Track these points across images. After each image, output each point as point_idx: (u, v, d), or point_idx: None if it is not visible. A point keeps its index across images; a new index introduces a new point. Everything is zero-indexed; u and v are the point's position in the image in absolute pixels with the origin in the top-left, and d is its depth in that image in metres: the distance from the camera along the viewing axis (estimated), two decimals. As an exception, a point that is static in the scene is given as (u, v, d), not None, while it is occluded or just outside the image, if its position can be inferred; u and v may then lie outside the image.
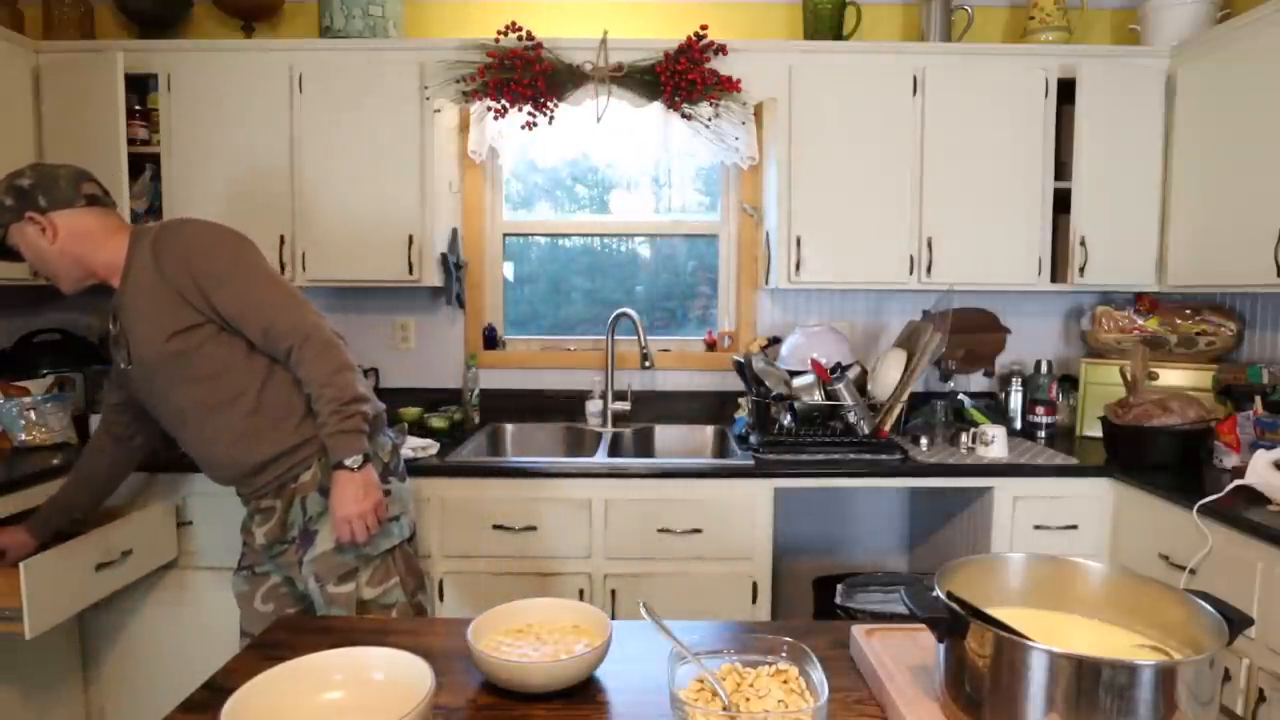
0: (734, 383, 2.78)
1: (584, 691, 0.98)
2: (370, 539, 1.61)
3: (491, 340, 2.87)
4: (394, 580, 1.67)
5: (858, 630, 1.07)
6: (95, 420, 2.43)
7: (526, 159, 2.90)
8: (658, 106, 2.49)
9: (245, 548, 1.74)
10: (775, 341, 2.72)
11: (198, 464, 1.68)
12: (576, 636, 1.05)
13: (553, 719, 0.92)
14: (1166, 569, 1.93)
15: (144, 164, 2.57)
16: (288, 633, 1.16)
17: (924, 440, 2.39)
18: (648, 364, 2.53)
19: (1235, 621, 0.78)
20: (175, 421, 1.62)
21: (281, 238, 2.46)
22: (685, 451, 2.70)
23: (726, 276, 2.92)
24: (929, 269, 2.49)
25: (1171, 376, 2.45)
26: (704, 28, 2.43)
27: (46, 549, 1.77)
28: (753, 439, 2.38)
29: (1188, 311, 2.53)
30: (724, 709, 0.84)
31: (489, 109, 2.47)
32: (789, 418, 2.37)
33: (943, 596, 0.83)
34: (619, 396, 2.78)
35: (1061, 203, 2.49)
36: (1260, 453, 1.87)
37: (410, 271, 2.46)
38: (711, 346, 2.90)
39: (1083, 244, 2.46)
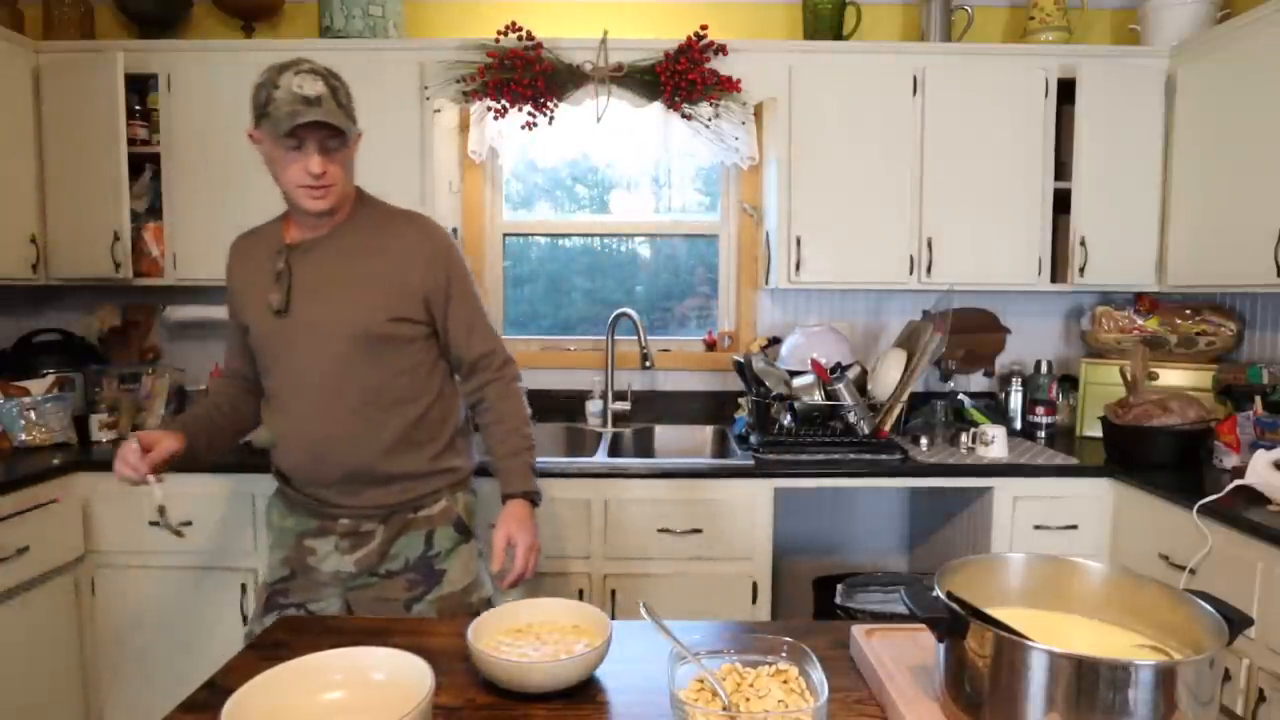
0: (734, 383, 2.78)
1: (584, 691, 0.98)
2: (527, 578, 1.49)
3: (491, 340, 2.87)
4: None
5: (858, 630, 1.07)
6: (95, 420, 2.44)
7: (526, 159, 2.90)
8: (658, 106, 2.49)
9: (294, 579, 1.49)
10: (775, 341, 2.72)
11: (288, 445, 1.46)
12: (576, 636, 1.05)
13: (553, 719, 0.92)
14: (1166, 569, 1.93)
15: (144, 164, 2.57)
16: (288, 633, 1.16)
17: (924, 440, 2.39)
18: (648, 364, 2.53)
19: (1235, 621, 0.78)
20: (318, 393, 1.42)
21: (281, 238, 2.46)
22: (685, 451, 2.70)
23: (726, 276, 2.92)
24: (929, 269, 2.49)
25: (1171, 376, 2.45)
26: (704, 28, 2.43)
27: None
28: (753, 439, 2.38)
29: (1188, 311, 2.53)
30: (724, 709, 0.84)
31: (489, 109, 2.47)
32: (789, 418, 2.37)
33: (943, 596, 0.83)
34: (619, 396, 2.78)
35: (1061, 203, 2.49)
36: (1260, 453, 1.87)
37: (410, 271, 2.46)
38: (711, 346, 2.90)
39: (1083, 244, 2.46)
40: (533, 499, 1.51)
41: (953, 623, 0.81)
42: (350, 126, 1.38)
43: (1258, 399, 2.12)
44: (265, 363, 1.48)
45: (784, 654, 0.93)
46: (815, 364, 2.38)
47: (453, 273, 1.51)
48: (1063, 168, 2.49)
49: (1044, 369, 2.71)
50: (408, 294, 1.45)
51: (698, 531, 2.18)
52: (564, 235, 2.95)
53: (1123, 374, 2.31)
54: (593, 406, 2.75)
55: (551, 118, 2.46)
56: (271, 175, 1.40)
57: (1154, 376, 2.44)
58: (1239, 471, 1.96)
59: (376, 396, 1.44)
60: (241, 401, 1.59)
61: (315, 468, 1.45)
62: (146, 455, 1.34)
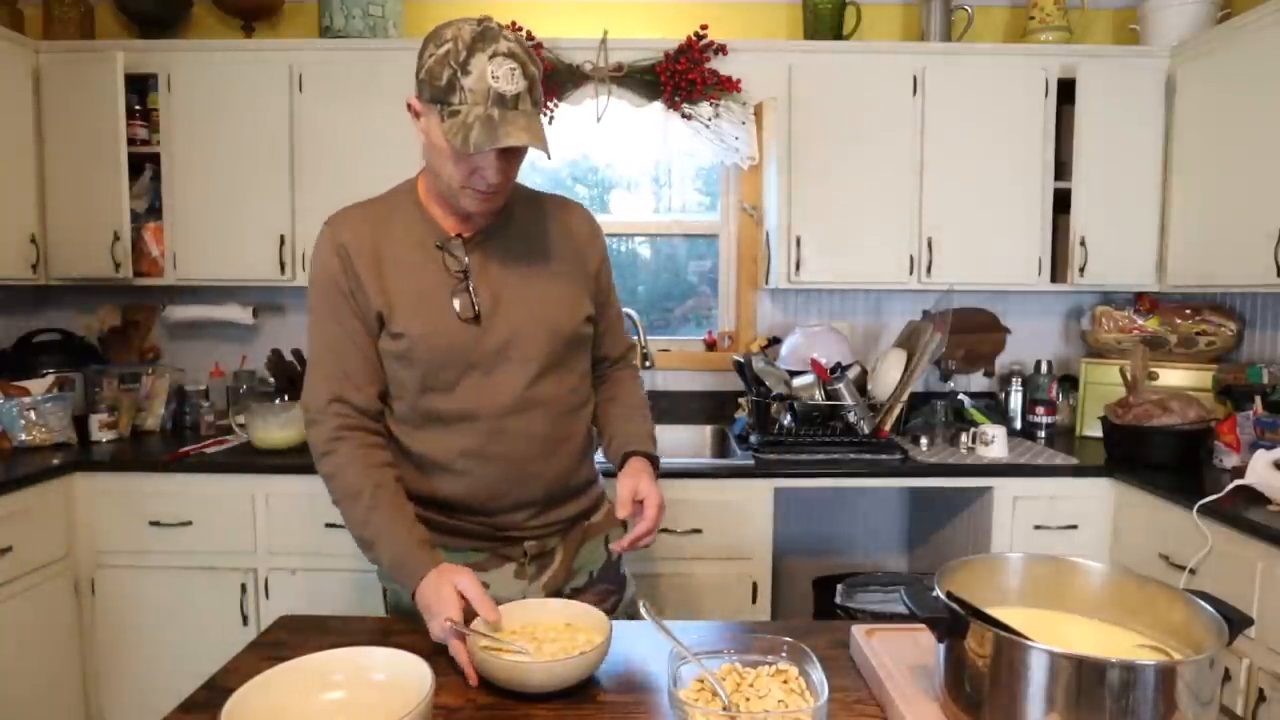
0: (734, 383, 2.78)
1: (584, 691, 0.98)
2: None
3: (492, 340, 2.86)
4: None
5: (858, 630, 1.07)
6: (95, 420, 2.44)
7: (526, 159, 2.90)
8: (658, 106, 2.49)
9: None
10: (775, 341, 2.71)
11: (475, 470, 1.23)
12: (573, 635, 1.05)
13: (553, 719, 0.92)
14: (1166, 569, 1.93)
15: (144, 164, 2.57)
16: (288, 633, 1.16)
17: (924, 440, 2.39)
18: (648, 364, 2.52)
19: (1235, 621, 0.78)
20: (516, 408, 1.21)
21: (281, 238, 2.46)
22: (685, 451, 2.70)
23: (726, 276, 2.92)
24: (929, 269, 2.49)
25: (1171, 376, 2.45)
26: (704, 28, 2.43)
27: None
28: (753, 439, 2.38)
29: (1188, 311, 2.53)
30: (724, 709, 0.84)
31: (489, 109, 2.47)
32: (789, 418, 2.36)
33: (943, 596, 0.83)
34: (619, 396, 2.78)
35: (1061, 203, 2.49)
36: (1260, 453, 1.87)
37: (410, 271, 2.46)
38: (711, 346, 2.90)
39: (1083, 244, 2.46)
40: (655, 462, 1.31)
41: (953, 623, 0.81)
42: (545, 137, 1.10)
43: (1258, 399, 2.12)
44: (437, 379, 1.19)
45: (784, 654, 0.93)
46: (815, 364, 2.38)
47: (606, 259, 1.34)
48: (1063, 168, 2.49)
49: (1044, 369, 2.71)
50: (589, 286, 1.29)
51: (698, 531, 2.18)
52: (564, 235, 2.95)
53: (1123, 374, 2.31)
54: (593, 406, 2.75)
55: (551, 118, 2.46)
56: (426, 157, 1.19)
57: (1154, 376, 2.44)
58: (1239, 471, 1.96)
59: (566, 404, 1.27)
60: (387, 456, 1.23)
61: (512, 490, 1.25)
62: (475, 604, 1.04)
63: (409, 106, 1.17)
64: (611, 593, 1.35)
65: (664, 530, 2.17)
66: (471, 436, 1.21)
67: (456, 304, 1.18)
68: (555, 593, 1.30)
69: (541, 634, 1.05)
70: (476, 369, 1.20)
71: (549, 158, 1.14)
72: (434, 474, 1.24)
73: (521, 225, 1.26)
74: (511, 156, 1.14)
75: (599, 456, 1.39)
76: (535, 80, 1.10)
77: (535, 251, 1.25)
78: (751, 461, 2.23)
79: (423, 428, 1.23)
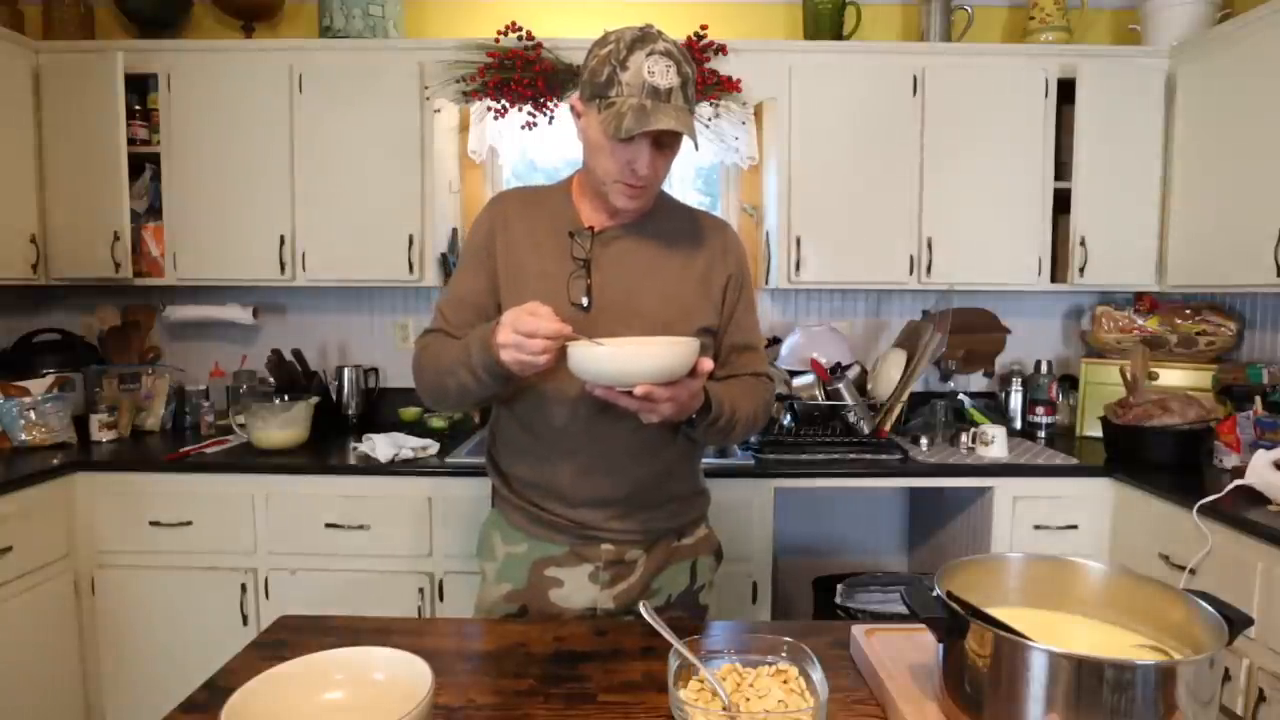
0: (734, 383, 2.77)
1: (585, 690, 0.98)
2: None
3: (492, 340, 2.86)
4: None
5: (858, 630, 1.07)
6: (95, 420, 2.44)
7: (526, 159, 2.90)
8: (658, 106, 2.48)
9: (523, 618, 1.28)
10: (775, 341, 2.71)
11: (563, 458, 1.24)
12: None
13: (553, 718, 0.92)
14: (1166, 569, 1.93)
15: (144, 164, 2.57)
16: (288, 633, 1.16)
17: (924, 440, 2.39)
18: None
19: (1235, 621, 0.78)
20: (602, 403, 1.12)
21: (281, 238, 2.46)
22: (685, 451, 2.69)
23: (726, 276, 2.91)
24: (929, 269, 2.49)
25: (1171, 376, 2.45)
26: (704, 28, 2.43)
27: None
28: (753, 439, 2.38)
29: (1188, 311, 2.53)
30: (724, 709, 0.84)
31: (489, 109, 2.47)
32: (789, 418, 2.37)
33: (943, 596, 0.83)
34: (619, 396, 2.77)
35: (1061, 203, 2.49)
36: (1260, 453, 1.87)
37: (410, 271, 2.46)
38: (711, 346, 2.89)
39: (1083, 244, 2.46)
40: (699, 414, 1.17)
41: (953, 623, 0.81)
42: (694, 129, 1.15)
43: (1258, 399, 2.12)
44: None
45: (784, 654, 0.93)
46: (815, 364, 2.38)
47: (745, 280, 1.34)
48: (1063, 168, 2.49)
49: (1044, 369, 2.71)
50: (712, 301, 1.28)
51: (698, 531, 2.18)
52: (564, 235, 2.95)
53: (1123, 374, 2.31)
54: (593, 406, 2.75)
55: (551, 118, 2.46)
56: (584, 154, 1.22)
57: (1154, 376, 2.44)
58: (1239, 471, 1.96)
59: None
60: None
61: (597, 486, 1.25)
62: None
63: (571, 108, 1.22)
64: (684, 621, 1.24)
65: (664, 530, 2.17)
66: (564, 421, 1.23)
67: (571, 290, 1.22)
68: (625, 607, 1.28)
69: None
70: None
71: (696, 148, 1.18)
72: (525, 453, 1.28)
73: (655, 229, 1.29)
74: (662, 152, 1.18)
75: (706, 484, 1.39)
76: (689, 79, 1.16)
77: (661, 255, 1.27)
78: (752, 461, 2.23)
79: (524, 405, 1.26)
